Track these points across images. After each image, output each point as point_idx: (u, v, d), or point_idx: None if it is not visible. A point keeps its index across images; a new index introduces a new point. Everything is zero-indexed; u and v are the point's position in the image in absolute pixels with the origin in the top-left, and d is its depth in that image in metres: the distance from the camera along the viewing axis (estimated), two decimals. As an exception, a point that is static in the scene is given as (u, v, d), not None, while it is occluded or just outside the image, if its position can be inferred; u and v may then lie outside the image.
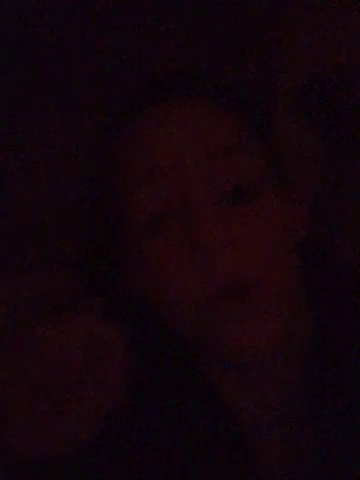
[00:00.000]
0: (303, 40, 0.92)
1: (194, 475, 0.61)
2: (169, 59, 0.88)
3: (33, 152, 0.90)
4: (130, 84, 0.78)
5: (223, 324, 0.58)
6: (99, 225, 0.67)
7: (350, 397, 0.61)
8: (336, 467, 0.60)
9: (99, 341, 0.52)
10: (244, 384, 0.64)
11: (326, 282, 0.66)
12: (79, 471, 0.59)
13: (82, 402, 0.51)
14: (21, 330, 0.52)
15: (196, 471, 0.61)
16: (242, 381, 0.64)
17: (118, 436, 0.61)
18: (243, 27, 0.91)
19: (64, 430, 0.51)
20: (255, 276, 0.58)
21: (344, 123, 0.90)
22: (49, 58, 0.90)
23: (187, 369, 0.64)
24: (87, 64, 0.90)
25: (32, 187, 0.90)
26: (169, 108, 0.63)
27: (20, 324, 0.55)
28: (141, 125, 0.63)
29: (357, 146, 0.89)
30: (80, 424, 0.51)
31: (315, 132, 0.91)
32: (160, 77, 0.68)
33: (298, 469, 0.63)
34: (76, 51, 0.90)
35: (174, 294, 0.60)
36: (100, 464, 0.61)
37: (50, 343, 0.51)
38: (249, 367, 0.62)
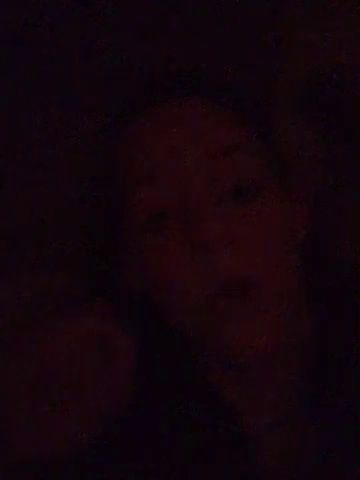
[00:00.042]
0: (303, 40, 0.92)
1: (194, 475, 0.61)
2: (169, 59, 0.88)
3: (33, 152, 0.90)
4: (130, 84, 0.78)
5: (223, 324, 0.58)
6: (99, 225, 0.67)
7: (350, 397, 0.61)
8: (336, 467, 0.60)
9: (102, 341, 0.52)
10: (244, 384, 0.64)
11: (326, 282, 0.66)
12: (79, 471, 0.59)
13: (82, 402, 0.51)
14: (21, 330, 0.52)
15: (196, 471, 0.61)
16: (242, 381, 0.64)
17: (118, 436, 0.61)
18: (243, 27, 0.91)
19: (64, 430, 0.51)
20: (255, 276, 0.58)
21: (344, 123, 0.90)
22: (49, 58, 0.90)
23: (187, 369, 0.64)
24: (87, 64, 0.90)
25: (32, 187, 0.89)
26: (169, 108, 0.63)
27: (20, 324, 0.55)
28: (141, 125, 0.63)
29: (357, 146, 0.89)
30: (80, 424, 0.51)
31: (315, 132, 0.91)
32: (160, 77, 0.68)
33: (298, 469, 0.63)
34: (76, 51, 0.90)
35: (174, 293, 0.60)
36: (100, 464, 0.61)
37: (50, 343, 0.51)
38: (249, 367, 0.62)
